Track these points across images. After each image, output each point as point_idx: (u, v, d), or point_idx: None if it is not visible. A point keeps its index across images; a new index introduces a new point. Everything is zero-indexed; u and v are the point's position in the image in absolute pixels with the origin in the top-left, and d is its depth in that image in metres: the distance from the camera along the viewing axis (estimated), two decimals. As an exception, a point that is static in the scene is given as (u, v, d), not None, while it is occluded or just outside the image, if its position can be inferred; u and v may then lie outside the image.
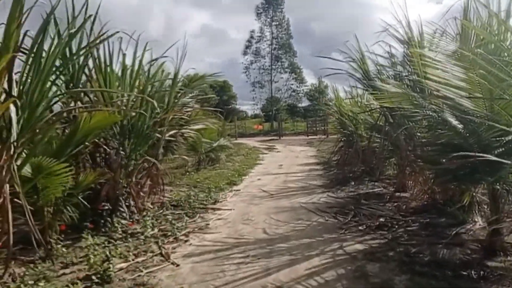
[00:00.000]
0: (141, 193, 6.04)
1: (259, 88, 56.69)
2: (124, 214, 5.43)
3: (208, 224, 5.73)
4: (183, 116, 7.35)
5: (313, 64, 72.85)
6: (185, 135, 8.27)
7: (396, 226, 5.45)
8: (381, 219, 5.77)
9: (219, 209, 6.68)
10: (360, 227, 5.48)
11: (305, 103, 58.80)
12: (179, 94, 6.54)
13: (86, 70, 5.38)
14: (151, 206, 6.37)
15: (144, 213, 5.66)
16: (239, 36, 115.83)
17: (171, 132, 6.81)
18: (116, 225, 5.08)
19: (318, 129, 35.60)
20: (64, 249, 4.30)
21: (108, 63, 5.45)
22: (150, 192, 6.51)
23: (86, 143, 4.77)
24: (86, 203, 4.67)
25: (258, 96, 57.15)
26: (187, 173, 10.52)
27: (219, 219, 6.08)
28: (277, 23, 55.96)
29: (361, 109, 8.69)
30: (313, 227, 5.56)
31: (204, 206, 6.80)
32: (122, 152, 5.53)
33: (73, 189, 4.35)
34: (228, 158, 15.07)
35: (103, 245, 4.56)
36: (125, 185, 5.63)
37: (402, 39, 5.99)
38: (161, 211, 6.28)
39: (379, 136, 7.87)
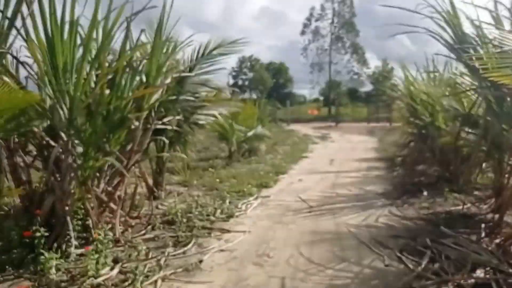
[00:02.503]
0: (113, 206, 4.21)
1: (318, 71, 53.53)
2: (74, 242, 3.61)
3: (202, 261, 3.76)
4: (189, 98, 5.39)
5: (376, 48, 68.33)
6: (200, 122, 6.33)
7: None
8: (479, 272, 3.47)
9: (228, 230, 4.69)
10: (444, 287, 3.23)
11: (367, 87, 54.85)
12: (166, 64, 4.50)
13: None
14: (131, 224, 4.54)
15: (110, 239, 3.79)
16: (299, 18, 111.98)
17: (167, 119, 4.87)
18: (51, 262, 3.27)
19: (381, 116, 32.33)
20: None
21: (52, 11, 3.58)
22: (132, 204, 4.69)
23: None
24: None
25: (316, 79, 54.05)
26: (212, 169, 8.61)
27: (222, 250, 4.10)
28: (340, -1, 52.10)
29: (443, 92, 6.18)
30: (364, 282, 3.39)
31: (210, 224, 4.85)
32: (74, 148, 3.70)
33: None
34: (271, 149, 13.02)
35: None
36: (81, 197, 3.81)
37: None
38: (142, 232, 4.43)
39: (471, 131, 5.39)
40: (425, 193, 6.49)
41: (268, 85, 53.87)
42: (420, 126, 7.42)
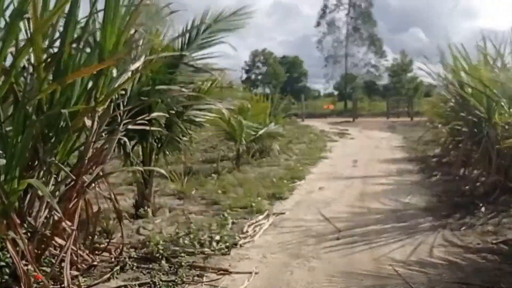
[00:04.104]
0: (60, 242, 2.94)
1: (333, 64, 51.50)
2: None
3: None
4: (174, 87, 4.07)
5: (390, 41, 66.43)
6: (196, 119, 5.02)
7: None
8: None
9: (228, 271, 3.37)
10: None
11: (384, 80, 52.69)
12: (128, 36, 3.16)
13: None
14: (93, 263, 3.26)
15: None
16: (312, 12, 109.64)
17: (143, 117, 3.55)
18: None
19: (401, 110, 30.58)
20: None
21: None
22: (94, 234, 3.41)
23: None
24: None
25: (331, 72, 52.02)
26: (216, 175, 7.27)
27: (215, 310, 2.79)
28: (357, -12, 49.89)
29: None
30: None
31: (204, 260, 3.54)
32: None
33: None
34: (286, 148, 11.65)
35: None
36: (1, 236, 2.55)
37: None
38: (106, 276, 3.14)
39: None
40: (482, 208, 5.09)
41: (282, 80, 52.27)
42: (472, 123, 5.97)
